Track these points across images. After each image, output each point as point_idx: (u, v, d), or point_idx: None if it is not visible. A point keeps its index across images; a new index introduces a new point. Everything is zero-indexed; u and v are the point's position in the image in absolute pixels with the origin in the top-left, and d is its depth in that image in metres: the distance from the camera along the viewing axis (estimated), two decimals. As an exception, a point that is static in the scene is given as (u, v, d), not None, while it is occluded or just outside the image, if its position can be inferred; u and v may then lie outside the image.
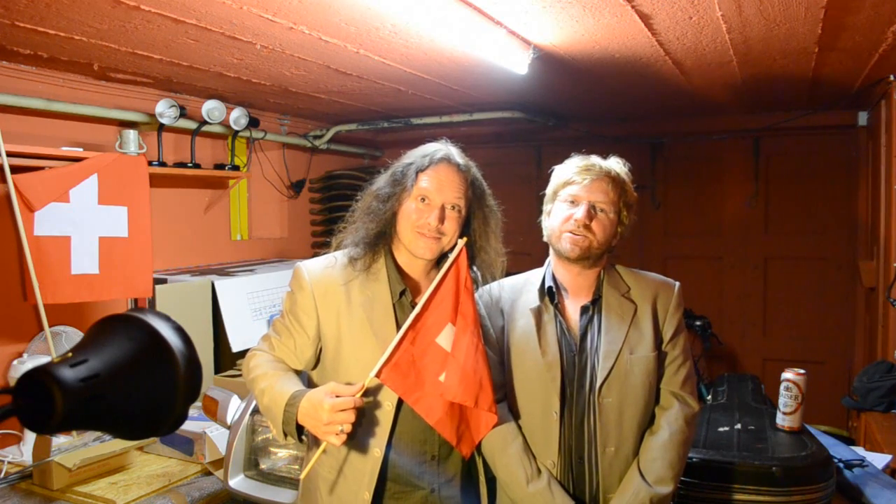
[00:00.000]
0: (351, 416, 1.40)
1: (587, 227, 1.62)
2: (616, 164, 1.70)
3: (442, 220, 1.57)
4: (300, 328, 1.62)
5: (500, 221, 1.70)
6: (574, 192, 1.65)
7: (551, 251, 1.75)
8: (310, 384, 1.69)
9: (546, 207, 1.74)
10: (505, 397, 1.68)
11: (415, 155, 1.63)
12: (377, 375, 1.46)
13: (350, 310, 1.59)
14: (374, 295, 1.60)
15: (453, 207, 1.59)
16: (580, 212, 1.62)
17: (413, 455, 1.58)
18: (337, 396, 1.42)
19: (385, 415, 1.55)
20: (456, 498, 1.63)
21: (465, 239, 1.57)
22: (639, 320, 1.65)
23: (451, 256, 1.55)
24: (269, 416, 1.54)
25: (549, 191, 1.74)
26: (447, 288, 1.53)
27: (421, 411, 1.50)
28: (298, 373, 1.67)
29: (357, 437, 1.49)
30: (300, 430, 1.47)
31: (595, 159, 1.69)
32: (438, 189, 1.57)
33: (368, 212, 1.62)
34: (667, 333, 1.68)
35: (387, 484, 1.58)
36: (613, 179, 1.65)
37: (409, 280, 1.65)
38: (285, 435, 1.49)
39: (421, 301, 1.52)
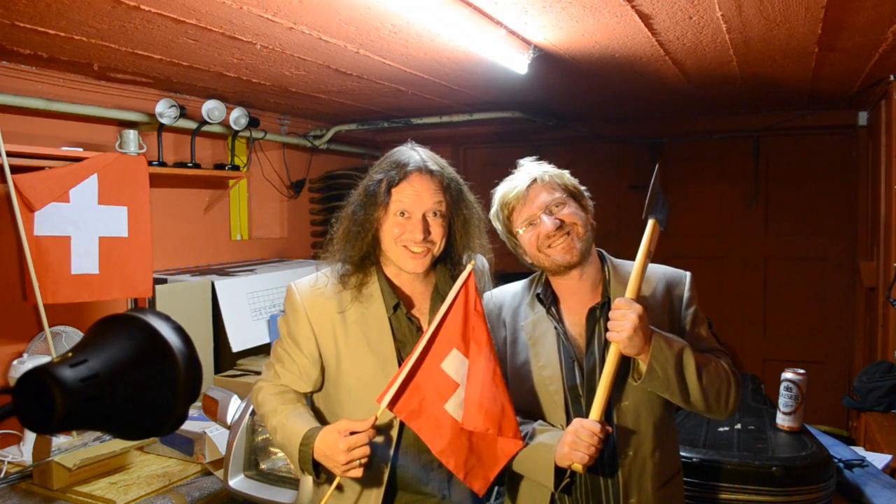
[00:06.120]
0: (366, 450, 1.41)
1: (561, 229, 1.55)
2: (533, 166, 1.66)
3: (427, 230, 1.52)
4: (300, 352, 1.60)
5: (482, 217, 1.65)
6: (524, 215, 1.60)
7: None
8: (313, 406, 1.67)
9: (512, 244, 1.68)
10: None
11: (383, 168, 1.56)
12: (388, 407, 1.43)
13: (346, 329, 1.57)
14: (369, 311, 1.57)
15: (435, 214, 1.54)
16: (544, 226, 1.56)
17: (421, 464, 1.57)
18: (350, 433, 1.41)
19: (391, 428, 1.54)
20: (466, 502, 1.61)
21: (473, 262, 1.51)
22: (651, 317, 1.54)
23: (460, 281, 1.49)
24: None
25: (501, 234, 1.68)
26: (455, 312, 1.48)
27: (425, 438, 1.48)
28: (307, 394, 1.66)
29: None
30: (316, 464, 1.48)
31: (515, 178, 1.65)
32: (416, 200, 1.52)
33: (348, 238, 1.57)
34: (686, 326, 1.61)
35: (397, 493, 1.57)
36: (539, 180, 1.60)
37: (401, 292, 1.62)
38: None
39: (430, 328, 1.47)
